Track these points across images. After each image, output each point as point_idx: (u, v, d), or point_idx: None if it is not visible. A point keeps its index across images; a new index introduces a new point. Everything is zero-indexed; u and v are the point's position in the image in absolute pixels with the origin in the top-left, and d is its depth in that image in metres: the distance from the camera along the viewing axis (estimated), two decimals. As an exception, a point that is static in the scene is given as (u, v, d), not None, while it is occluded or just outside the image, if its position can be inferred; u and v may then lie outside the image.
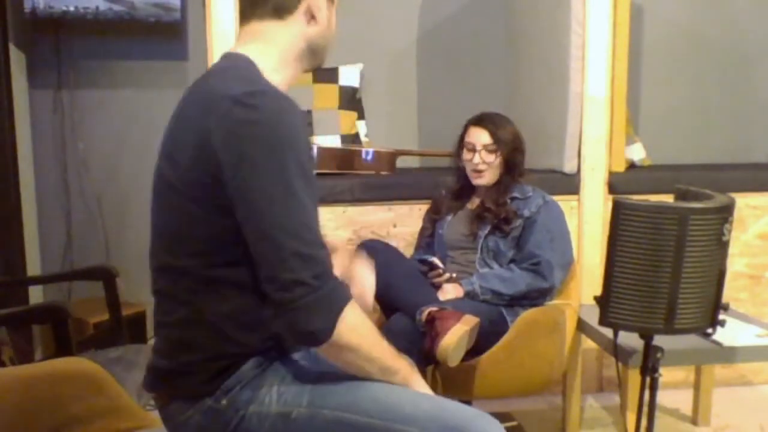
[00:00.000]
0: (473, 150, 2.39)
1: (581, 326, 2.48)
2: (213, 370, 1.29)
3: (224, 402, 1.29)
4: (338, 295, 1.21)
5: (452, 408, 1.29)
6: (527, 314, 2.22)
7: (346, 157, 2.92)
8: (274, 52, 1.34)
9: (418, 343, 2.02)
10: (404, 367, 1.34)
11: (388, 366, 1.31)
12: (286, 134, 1.19)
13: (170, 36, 3.36)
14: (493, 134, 2.37)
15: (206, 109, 1.23)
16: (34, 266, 3.30)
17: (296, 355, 1.38)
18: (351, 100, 3.31)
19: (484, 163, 2.38)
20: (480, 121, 2.42)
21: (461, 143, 2.44)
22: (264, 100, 1.21)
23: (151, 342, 1.44)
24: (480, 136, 2.39)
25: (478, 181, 2.41)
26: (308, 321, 1.18)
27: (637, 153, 3.35)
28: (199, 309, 1.29)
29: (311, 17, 1.36)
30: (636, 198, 1.68)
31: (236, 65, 1.32)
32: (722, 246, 1.68)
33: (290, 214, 1.18)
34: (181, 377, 1.32)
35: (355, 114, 3.30)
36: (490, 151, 2.37)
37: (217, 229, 1.25)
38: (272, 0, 1.34)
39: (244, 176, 1.18)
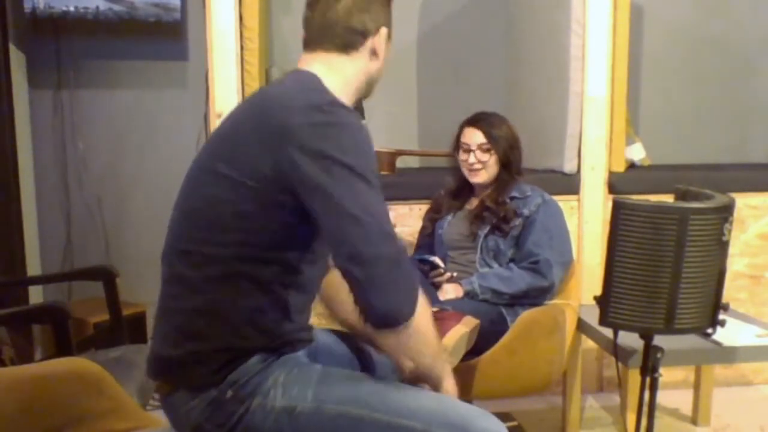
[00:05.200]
0: (468, 150, 2.41)
1: (581, 326, 2.47)
2: (220, 362, 1.31)
3: (229, 394, 1.31)
4: (415, 278, 1.26)
5: (455, 405, 1.31)
6: (527, 314, 2.22)
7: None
8: (337, 81, 1.40)
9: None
10: (441, 360, 1.39)
11: (438, 352, 1.37)
12: (361, 140, 1.27)
13: (170, 36, 3.35)
14: (487, 134, 2.39)
15: (283, 113, 1.28)
16: (34, 266, 3.30)
17: (301, 351, 1.40)
18: (351, 100, 3.31)
19: (479, 162, 2.40)
20: (474, 121, 2.43)
21: (457, 144, 2.46)
22: (341, 110, 1.29)
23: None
24: (474, 136, 2.40)
25: (474, 180, 2.43)
26: (392, 297, 1.22)
27: (637, 153, 3.34)
28: (215, 300, 1.31)
29: (374, 54, 1.44)
30: (636, 198, 1.68)
31: (309, 79, 1.38)
32: (722, 246, 1.68)
33: (372, 200, 1.24)
34: (187, 367, 1.33)
35: (354, 114, 3.30)
36: (485, 150, 2.39)
37: (265, 224, 1.29)
38: (341, 36, 1.41)
39: (324, 170, 1.22)
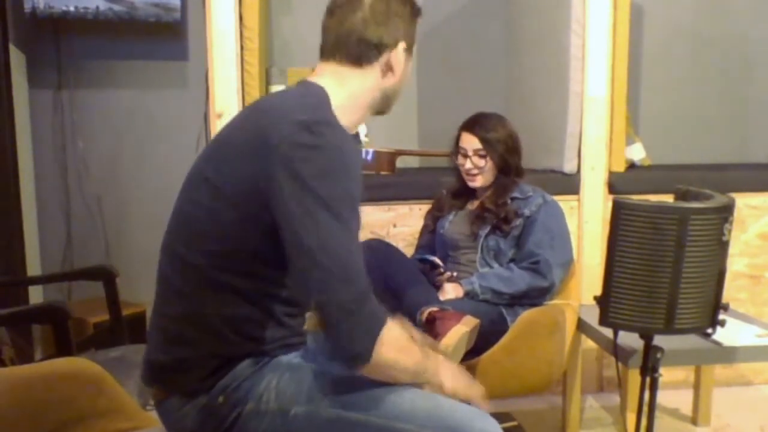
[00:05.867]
0: (465, 155, 2.42)
1: (581, 326, 2.47)
2: (209, 368, 1.30)
3: (221, 399, 1.30)
4: (376, 319, 1.21)
5: (450, 407, 1.29)
6: (527, 314, 2.22)
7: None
8: (345, 94, 1.38)
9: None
10: (431, 364, 1.35)
11: (419, 370, 1.32)
12: (342, 165, 1.23)
13: (170, 36, 3.36)
14: (482, 139, 2.38)
15: (271, 126, 1.25)
16: (34, 266, 3.30)
17: (294, 353, 1.38)
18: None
19: (476, 168, 2.40)
20: (470, 126, 2.43)
21: (456, 147, 2.46)
22: (329, 130, 1.25)
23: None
24: (470, 142, 2.40)
25: (472, 184, 2.44)
26: (348, 345, 1.19)
27: (637, 153, 3.35)
28: (200, 306, 1.30)
29: (389, 69, 1.42)
30: (636, 198, 1.67)
31: (311, 93, 1.35)
32: (722, 246, 1.68)
33: (335, 237, 1.19)
34: (177, 373, 1.33)
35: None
36: (481, 156, 2.39)
37: (244, 237, 1.26)
38: (355, 47, 1.39)
39: (294, 195, 1.19)
